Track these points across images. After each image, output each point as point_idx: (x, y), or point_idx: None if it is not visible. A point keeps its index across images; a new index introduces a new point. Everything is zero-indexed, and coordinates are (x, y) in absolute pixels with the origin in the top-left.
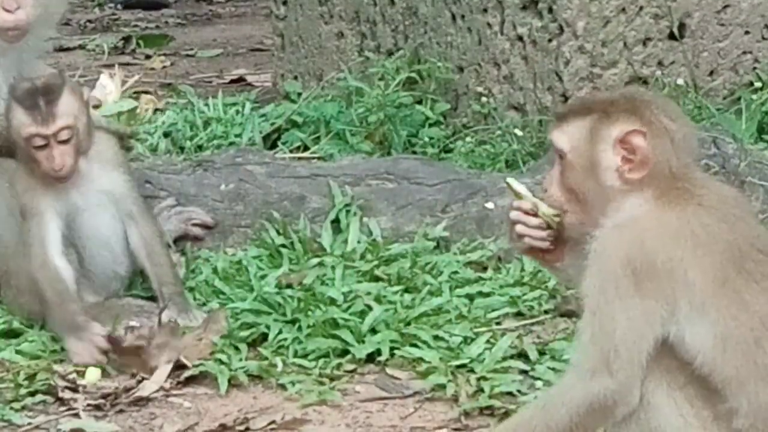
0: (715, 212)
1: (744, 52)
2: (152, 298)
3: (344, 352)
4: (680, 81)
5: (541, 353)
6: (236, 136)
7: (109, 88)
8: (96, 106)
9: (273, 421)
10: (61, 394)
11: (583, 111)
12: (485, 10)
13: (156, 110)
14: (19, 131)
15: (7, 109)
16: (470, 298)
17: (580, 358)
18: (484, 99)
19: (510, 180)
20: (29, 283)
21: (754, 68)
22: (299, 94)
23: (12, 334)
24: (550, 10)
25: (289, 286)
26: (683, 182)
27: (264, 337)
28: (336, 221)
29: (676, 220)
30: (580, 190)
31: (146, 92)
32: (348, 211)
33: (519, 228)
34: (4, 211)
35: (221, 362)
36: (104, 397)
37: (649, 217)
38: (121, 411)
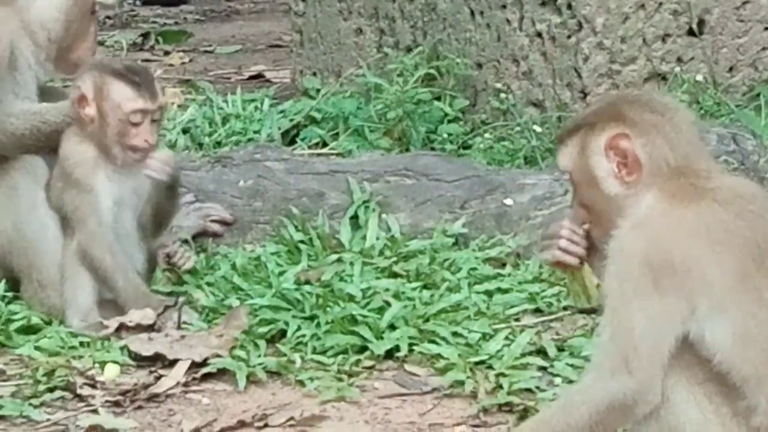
0: (731, 208)
1: (763, 48)
2: (171, 293)
3: (363, 349)
4: (699, 77)
5: (560, 350)
6: (255, 132)
7: None
8: None
9: (291, 418)
10: (79, 391)
11: (575, 128)
12: (504, 7)
13: (177, 106)
14: (121, 106)
15: (101, 86)
16: (489, 294)
17: (600, 357)
18: (502, 95)
19: None
20: (52, 276)
21: None
22: (318, 91)
23: (31, 330)
24: (569, 7)
25: (308, 282)
26: (693, 178)
27: (282, 333)
28: (354, 217)
29: (692, 217)
30: (592, 203)
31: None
32: (367, 208)
33: (564, 244)
34: (27, 206)
35: (240, 358)
36: (123, 393)
37: (664, 216)
38: (139, 407)
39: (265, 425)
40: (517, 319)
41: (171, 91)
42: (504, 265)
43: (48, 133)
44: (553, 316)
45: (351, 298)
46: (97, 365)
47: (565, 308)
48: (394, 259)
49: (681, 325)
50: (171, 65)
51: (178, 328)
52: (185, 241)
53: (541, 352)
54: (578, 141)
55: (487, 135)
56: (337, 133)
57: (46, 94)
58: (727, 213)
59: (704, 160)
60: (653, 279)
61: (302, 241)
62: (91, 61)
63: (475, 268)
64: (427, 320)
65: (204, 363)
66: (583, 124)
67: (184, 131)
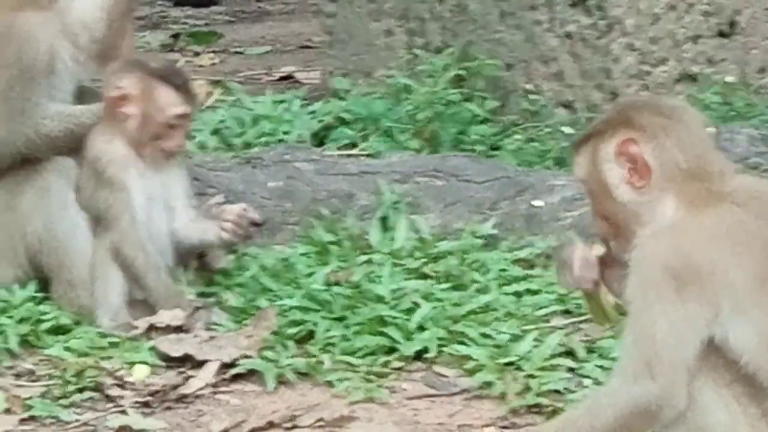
0: (751, 210)
1: None
2: (201, 294)
3: (392, 350)
4: (730, 78)
5: (589, 351)
6: (285, 133)
7: None
8: None
9: (320, 419)
10: (108, 391)
11: (586, 138)
12: (534, 8)
13: (205, 108)
14: (165, 110)
15: (146, 88)
16: (518, 295)
17: (625, 362)
18: (532, 96)
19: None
20: (83, 276)
21: None
22: (348, 92)
23: (60, 330)
24: (600, 8)
25: (337, 283)
26: (708, 182)
27: (311, 334)
28: (384, 218)
29: (711, 221)
30: (609, 214)
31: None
32: (396, 209)
33: (577, 271)
34: (58, 206)
35: (269, 359)
36: (152, 394)
37: (683, 222)
38: (168, 408)
39: (294, 426)
40: (546, 321)
41: (198, 83)
42: (533, 266)
43: (81, 135)
44: (582, 318)
45: (380, 299)
46: (126, 366)
47: None
48: (424, 260)
49: (705, 329)
50: (201, 66)
51: (208, 328)
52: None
53: (571, 353)
54: (590, 150)
55: (517, 136)
56: (366, 134)
57: (82, 94)
58: (747, 215)
59: (717, 160)
60: (675, 285)
61: (332, 242)
62: (127, 58)
63: (504, 270)
64: (457, 321)
65: (233, 364)
66: (594, 133)
67: (214, 132)
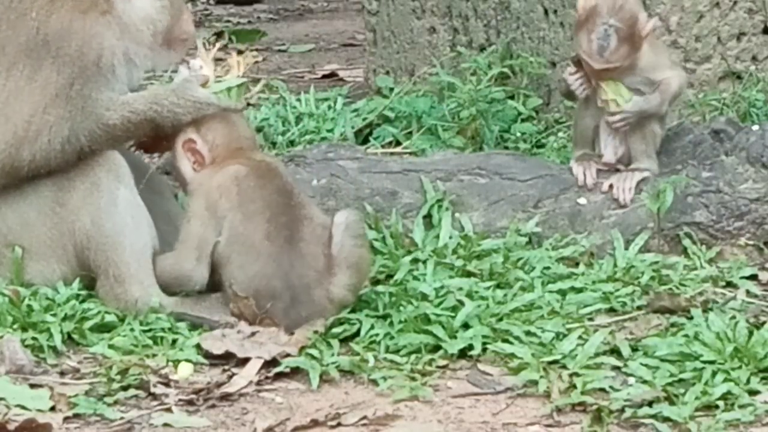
0: None
1: None
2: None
3: (436, 348)
4: None
5: (634, 349)
6: (328, 131)
7: (199, 68)
8: (203, 85)
9: (364, 417)
10: (153, 389)
11: None
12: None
13: (248, 105)
14: None
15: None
16: (562, 293)
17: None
18: None
19: None
20: (132, 271)
21: None
22: (391, 89)
23: (104, 328)
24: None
25: (381, 281)
26: None
27: (356, 332)
28: (428, 216)
29: None
30: None
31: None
32: (440, 207)
33: None
34: (107, 202)
35: (313, 357)
36: (196, 392)
37: None
38: (212, 406)
39: (338, 424)
40: (590, 319)
41: (233, 60)
42: (577, 264)
43: (137, 122)
44: (627, 316)
45: (424, 297)
46: (170, 364)
47: (638, 308)
48: (468, 258)
49: None
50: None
51: (251, 325)
52: None
53: (615, 351)
54: None
55: (560, 134)
56: (410, 132)
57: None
58: None
59: None
60: None
61: (375, 240)
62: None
63: (548, 267)
64: (501, 319)
65: (277, 362)
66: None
67: (258, 130)
